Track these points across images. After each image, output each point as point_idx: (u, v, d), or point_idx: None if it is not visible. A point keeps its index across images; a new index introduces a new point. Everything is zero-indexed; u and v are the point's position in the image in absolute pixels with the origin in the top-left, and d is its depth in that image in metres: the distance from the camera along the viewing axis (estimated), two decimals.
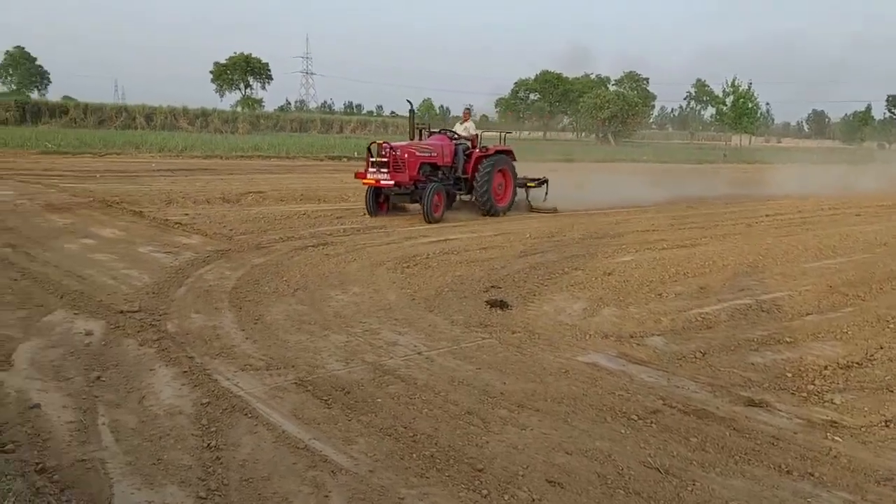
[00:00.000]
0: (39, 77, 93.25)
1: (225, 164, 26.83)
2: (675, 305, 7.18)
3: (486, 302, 7.01)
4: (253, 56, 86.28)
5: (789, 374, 5.30)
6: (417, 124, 14.64)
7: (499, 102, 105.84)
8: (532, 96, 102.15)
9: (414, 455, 3.79)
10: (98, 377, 4.74)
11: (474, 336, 5.99)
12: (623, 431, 4.20)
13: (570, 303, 7.19)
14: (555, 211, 14.97)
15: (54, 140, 32.63)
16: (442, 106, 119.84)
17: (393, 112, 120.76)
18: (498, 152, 14.25)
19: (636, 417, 4.39)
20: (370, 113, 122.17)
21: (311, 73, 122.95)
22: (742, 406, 4.68)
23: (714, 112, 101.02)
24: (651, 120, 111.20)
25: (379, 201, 13.29)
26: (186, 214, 12.32)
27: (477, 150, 14.05)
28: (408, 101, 14.84)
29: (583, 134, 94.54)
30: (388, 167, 12.55)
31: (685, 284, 8.14)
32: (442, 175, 13.63)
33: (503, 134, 15.58)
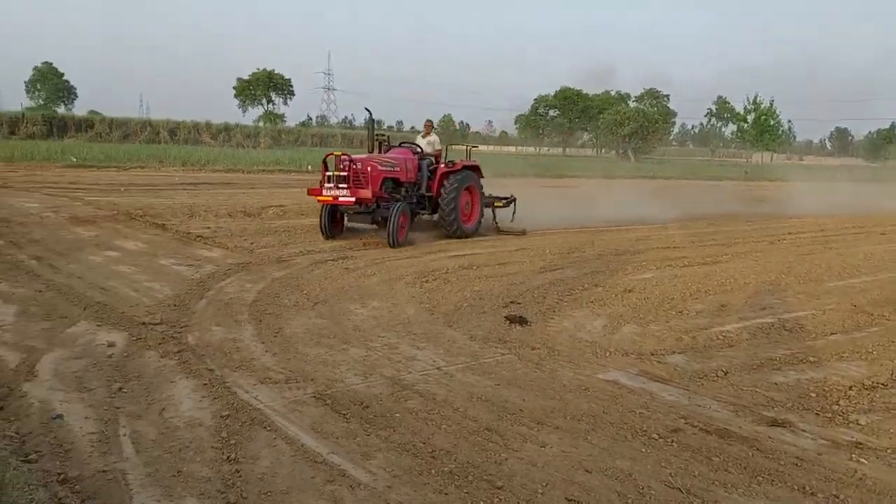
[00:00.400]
0: (66, 92, 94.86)
1: (246, 178, 27.08)
2: (696, 323, 7.12)
3: (506, 317, 6.99)
4: (275, 72, 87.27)
5: (813, 395, 5.22)
6: (377, 136, 13.41)
7: (518, 119, 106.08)
8: (552, 112, 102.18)
9: (433, 471, 3.78)
10: (120, 388, 4.78)
11: (493, 352, 5.98)
12: (644, 450, 4.16)
13: (590, 319, 7.15)
14: (523, 233, 13.71)
15: (80, 154, 33.12)
16: (462, 122, 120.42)
17: (413, 127, 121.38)
18: (465, 168, 13.00)
19: (657, 436, 4.35)
20: (390, 128, 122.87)
21: (333, 89, 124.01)
22: (765, 426, 4.61)
23: (735, 129, 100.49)
24: (671, 136, 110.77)
25: (335, 221, 11.98)
26: (208, 227, 12.44)
27: (442, 166, 12.77)
28: (366, 108, 13.61)
29: (602, 150, 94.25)
30: (348, 182, 11.09)
31: (706, 302, 8.07)
32: (405, 192, 12.27)
33: (469, 148, 14.23)
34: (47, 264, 8.76)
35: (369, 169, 11.31)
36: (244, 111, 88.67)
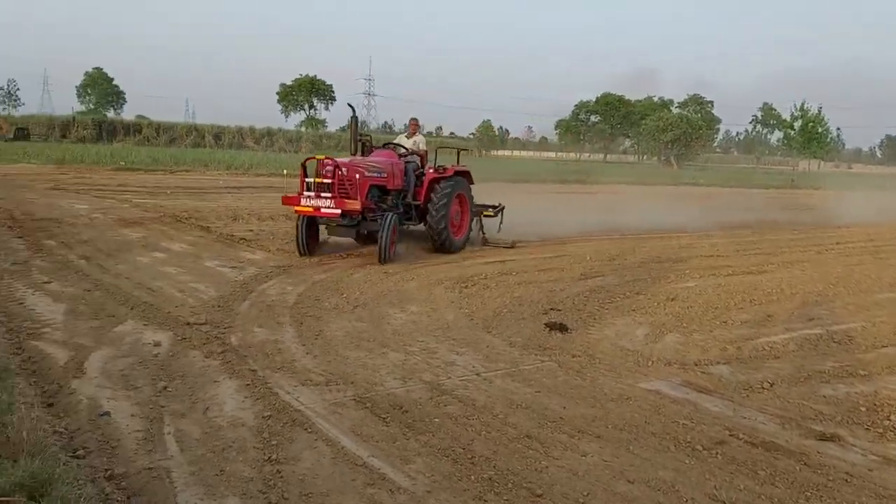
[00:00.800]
0: (116, 97, 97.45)
1: (290, 182, 27.38)
2: (741, 333, 6.98)
3: (546, 324, 6.94)
4: (318, 78, 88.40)
5: (863, 409, 5.07)
6: (360, 135, 11.83)
7: (559, 124, 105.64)
8: (593, 118, 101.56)
9: (472, 477, 3.76)
10: (165, 387, 4.86)
11: (533, 359, 5.94)
12: (687, 462, 4.08)
13: (632, 328, 7.06)
14: (512, 246, 12.24)
15: (128, 157, 33.96)
16: (501, 127, 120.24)
17: (452, 133, 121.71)
18: (456, 173, 11.54)
19: (701, 448, 4.27)
20: (429, 133, 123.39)
21: (373, 95, 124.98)
22: (813, 440, 4.49)
23: (781, 136, 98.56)
24: (715, 143, 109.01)
25: (311, 234, 10.43)
26: (251, 230, 12.63)
27: (431, 171, 11.30)
28: (349, 104, 11.99)
29: (644, 157, 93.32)
30: (333, 191, 9.63)
31: (751, 312, 7.91)
32: (391, 201, 10.78)
33: (458, 151, 12.75)
34: (96, 264, 8.98)
35: (357, 176, 9.85)
36: (287, 116, 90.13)
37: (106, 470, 3.63)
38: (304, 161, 10.22)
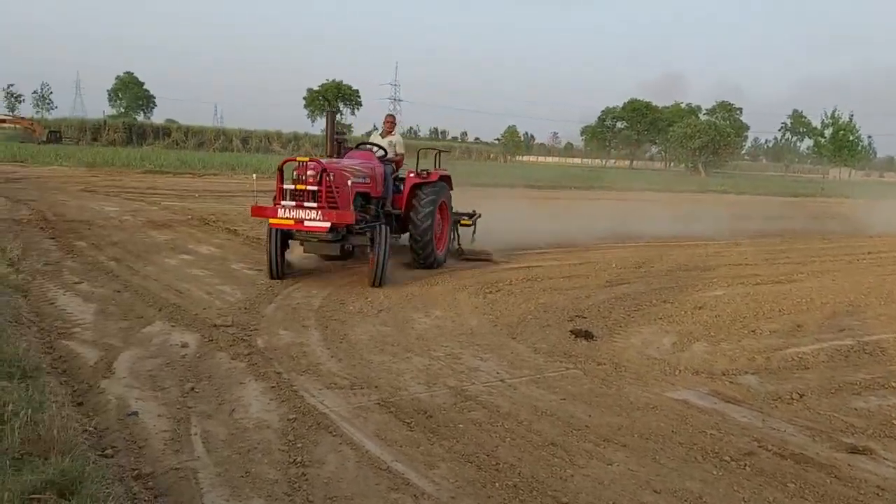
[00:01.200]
0: (146, 101, 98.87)
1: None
2: (770, 343, 6.88)
3: (571, 331, 6.90)
4: (344, 83, 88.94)
5: None
6: (337, 134, 10.45)
7: (584, 130, 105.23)
8: (619, 124, 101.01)
9: (496, 484, 3.74)
10: (192, 388, 4.90)
11: (558, 366, 5.90)
12: (715, 473, 4.03)
13: (659, 336, 6.99)
14: (489, 257, 11.04)
15: (157, 160, 34.42)
16: (526, 133, 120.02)
17: (477, 138, 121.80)
18: (440, 178, 10.21)
19: (729, 459, 4.20)
20: (454, 139, 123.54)
21: (399, 100, 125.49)
22: (844, 453, 4.41)
23: (811, 144, 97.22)
24: (743, 151, 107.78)
25: (284, 251, 8.76)
26: None
27: (413, 175, 10.01)
28: (325, 98, 10.89)
29: (671, 164, 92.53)
30: (320, 200, 8.12)
31: (780, 322, 7.79)
32: (374, 210, 9.35)
33: (438, 153, 11.23)
34: (125, 266, 9.09)
35: (348, 182, 8.37)
36: (313, 121, 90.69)
37: (133, 469, 3.67)
38: (282, 163, 8.64)
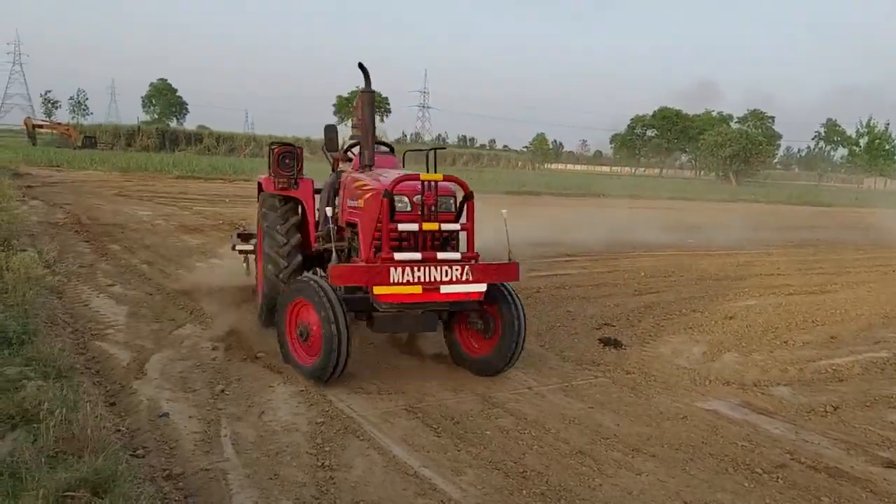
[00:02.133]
0: (179, 107, 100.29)
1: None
2: (803, 355, 6.76)
3: (599, 340, 6.84)
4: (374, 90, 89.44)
5: None
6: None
7: (614, 138, 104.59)
8: (649, 132, 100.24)
9: (524, 491, 3.72)
10: (222, 390, 4.96)
11: (586, 374, 5.85)
12: (746, 485, 3.96)
13: (689, 346, 6.91)
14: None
15: (189, 166, 34.91)
16: (555, 141, 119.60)
17: (505, 146, 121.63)
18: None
19: (761, 471, 4.14)
20: (482, 146, 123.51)
21: (428, 107, 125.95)
22: (880, 467, 4.31)
23: (845, 153, 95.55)
24: (775, 160, 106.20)
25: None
26: None
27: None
28: (361, 65, 6.69)
29: (702, 172, 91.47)
30: (469, 248, 5.36)
31: (814, 333, 7.66)
32: None
33: (433, 152, 6.74)
34: (158, 269, 9.22)
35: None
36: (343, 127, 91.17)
37: (164, 470, 3.71)
38: (394, 183, 5.03)
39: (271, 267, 6.12)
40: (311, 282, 5.09)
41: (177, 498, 3.44)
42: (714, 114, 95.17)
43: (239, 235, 8.31)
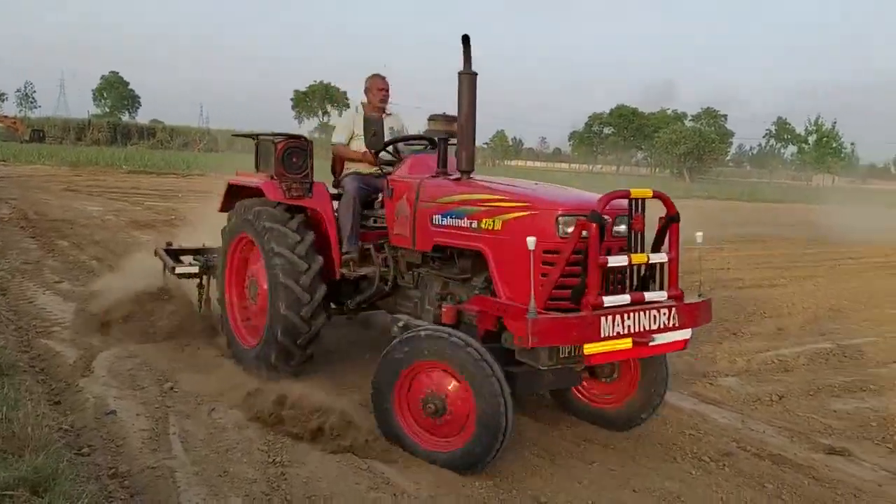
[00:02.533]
0: (131, 101, 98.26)
1: None
2: (751, 346, 6.92)
3: None
4: (332, 84, 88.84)
5: (874, 424, 5.01)
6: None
7: (573, 136, 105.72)
8: (606, 130, 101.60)
9: (476, 483, 3.73)
10: (171, 387, 4.87)
11: None
12: (693, 473, 4.05)
13: None
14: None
15: (141, 161, 34.22)
16: (514, 137, 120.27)
17: None
18: None
19: (708, 459, 4.23)
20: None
21: (388, 102, 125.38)
22: (822, 454, 4.45)
23: (795, 151, 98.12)
24: (728, 157, 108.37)
25: None
26: None
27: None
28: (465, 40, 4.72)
29: (657, 169, 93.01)
30: (671, 285, 4.15)
31: (762, 325, 7.85)
32: None
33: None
34: (106, 265, 9.01)
35: None
36: (300, 122, 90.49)
37: (110, 468, 3.64)
38: (604, 202, 3.89)
39: (289, 302, 4.83)
40: (456, 339, 3.75)
41: (122, 496, 3.37)
42: (669, 112, 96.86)
43: (168, 252, 6.64)
